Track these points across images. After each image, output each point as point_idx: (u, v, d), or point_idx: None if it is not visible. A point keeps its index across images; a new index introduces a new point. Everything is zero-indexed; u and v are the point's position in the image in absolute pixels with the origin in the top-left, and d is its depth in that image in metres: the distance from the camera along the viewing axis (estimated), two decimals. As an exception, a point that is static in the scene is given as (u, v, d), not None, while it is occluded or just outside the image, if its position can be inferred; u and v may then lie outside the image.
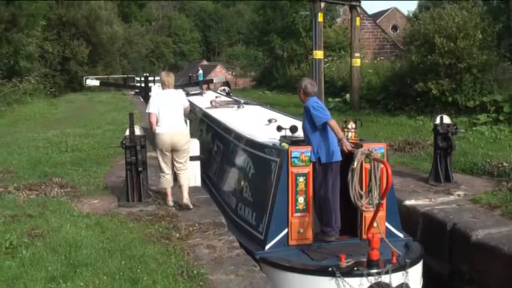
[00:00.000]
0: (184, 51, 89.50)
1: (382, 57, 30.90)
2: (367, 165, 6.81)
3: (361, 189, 6.65)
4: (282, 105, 19.56)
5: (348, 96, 22.58)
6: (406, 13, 55.28)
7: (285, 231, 6.91)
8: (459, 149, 11.28)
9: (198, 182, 9.78)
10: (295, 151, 6.87)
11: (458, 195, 9.16)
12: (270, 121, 9.44)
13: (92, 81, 28.03)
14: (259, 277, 5.86)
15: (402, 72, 19.36)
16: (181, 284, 5.50)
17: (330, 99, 23.22)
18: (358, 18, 21.32)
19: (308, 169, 6.90)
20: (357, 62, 21.12)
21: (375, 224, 6.58)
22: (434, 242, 8.09)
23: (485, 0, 26.30)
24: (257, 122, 9.89)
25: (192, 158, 9.66)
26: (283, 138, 7.39)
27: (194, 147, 9.74)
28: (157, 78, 31.55)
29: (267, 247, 6.91)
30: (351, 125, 7.48)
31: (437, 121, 9.77)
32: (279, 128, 7.77)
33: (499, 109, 15.74)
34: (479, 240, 7.26)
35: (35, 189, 9.07)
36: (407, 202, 8.88)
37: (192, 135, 10.10)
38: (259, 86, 39.23)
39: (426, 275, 8.10)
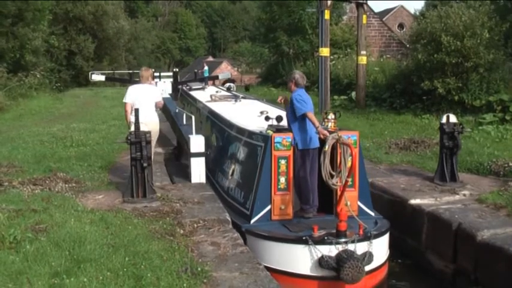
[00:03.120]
0: (190, 47, 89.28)
1: (388, 55, 30.80)
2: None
3: (332, 170, 7.28)
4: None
5: (353, 94, 22.47)
6: (412, 11, 55.13)
7: (268, 207, 7.73)
8: (465, 148, 11.20)
9: (202, 179, 9.79)
10: (278, 137, 7.71)
11: (464, 194, 9.10)
12: (261, 113, 10.13)
13: (98, 76, 28.06)
14: (264, 275, 5.84)
15: (408, 70, 19.26)
16: (185, 281, 5.48)
17: (335, 97, 23.12)
18: (364, 16, 21.17)
19: (289, 153, 7.72)
20: (363, 59, 21.00)
21: (348, 203, 7.29)
22: (439, 242, 8.07)
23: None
24: (250, 114, 10.65)
25: (197, 155, 9.72)
26: (270, 127, 8.31)
27: (200, 143, 9.77)
28: (162, 74, 31.57)
29: (252, 221, 7.71)
30: (331, 115, 8.49)
31: (444, 120, 9.71)
32: (267, 118, 8.71)
33: (505, 109, 15.63)
34: (485, 241, 7.22)
35: (39, 183, 9.10)
36: (413, 201, 8.83)
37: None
38: (264, 82, 39.02)
39: (431, 274, 8.11)
